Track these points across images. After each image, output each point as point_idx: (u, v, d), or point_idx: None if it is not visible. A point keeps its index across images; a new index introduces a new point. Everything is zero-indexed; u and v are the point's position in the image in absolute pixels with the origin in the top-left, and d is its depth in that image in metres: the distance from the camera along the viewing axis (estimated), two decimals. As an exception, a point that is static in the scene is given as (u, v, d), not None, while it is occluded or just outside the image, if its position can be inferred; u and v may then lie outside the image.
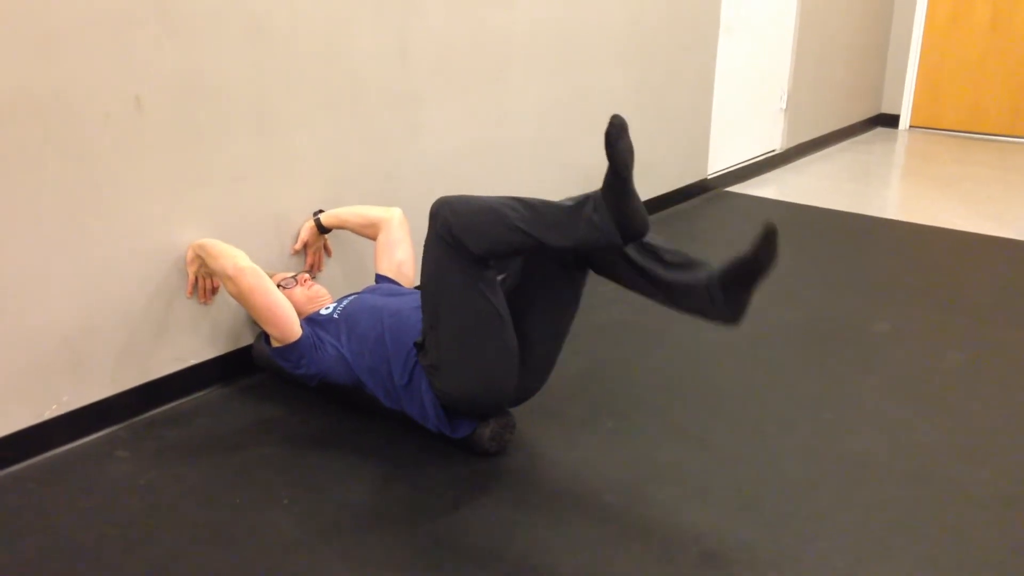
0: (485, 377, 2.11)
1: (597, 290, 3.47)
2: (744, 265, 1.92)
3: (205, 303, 2.55)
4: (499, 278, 2.13)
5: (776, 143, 5.36)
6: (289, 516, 2.02)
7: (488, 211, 1.98)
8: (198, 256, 2.45)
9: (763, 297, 3.31)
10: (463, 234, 1.99)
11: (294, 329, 2.36)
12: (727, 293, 1.96)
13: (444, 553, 1.90)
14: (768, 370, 2.75)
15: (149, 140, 2.32)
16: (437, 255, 2.06)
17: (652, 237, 2.06)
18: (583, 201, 1.96)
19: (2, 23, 2.01)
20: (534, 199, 2.01)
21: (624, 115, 4.13)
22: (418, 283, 2.24)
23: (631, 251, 2.07)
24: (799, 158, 5.57)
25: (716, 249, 3.88)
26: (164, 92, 2.32)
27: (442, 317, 2.09)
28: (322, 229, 2.75)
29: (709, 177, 4.77)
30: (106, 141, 2.23)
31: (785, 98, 5.26)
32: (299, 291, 2.56)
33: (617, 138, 1.87)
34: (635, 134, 4.18)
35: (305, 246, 2.77)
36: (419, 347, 2.19)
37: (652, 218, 2.10)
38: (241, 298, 2.37)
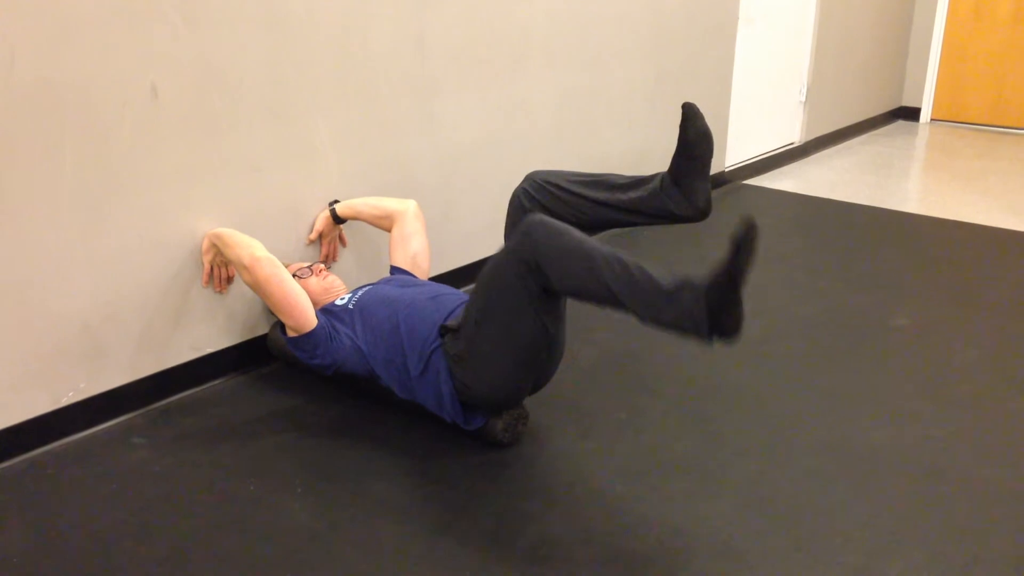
0: (511, 384, 2.14)
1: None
2: (684, 154, 2.03)
3: (221, 292, 2.57)
4: None
5: (795, 136, 5.32)
6: (303, 504, 2.03)
7: (584, 257, 1.90)
8: (214, 245, 2.46)
9: (780, 291, 3.31)
10: (549, 267, 1.93)
11: (310, 319, 2.37)
12: (681, 187, 2.05)
13: (456, 543, 1.90)
14: (783, 364, 2.73)
15: (166, 130, 2.33)
16: (510, 268, 1.99)
17: (606, 176, 2.18)
18: (682, 285, 1.83)
19: (21, 14, 2.02)
20: (633, 261, 1.89)
21: (641, 107, 4.11)
22: (432, 275, 2.24)
23: (591, 191, 2.16)
24: (818, 151, 5.53)
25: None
26: (181, 82, 2.33)
27: (491, 322, 2.07)
28: (337, 219, 2.76)
29: (727, 170, 4.75)
30: (124, 131, 2.25)
31: (805, 90, 5.22)
32: (314, 281, 2.56)
33: (751, 239, 1.74)
34: (652, 126, 4.18)
35: (320, 236, 2.77)
36: (447, 331, 2.19)
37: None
38: (257, 288, 2.38)
